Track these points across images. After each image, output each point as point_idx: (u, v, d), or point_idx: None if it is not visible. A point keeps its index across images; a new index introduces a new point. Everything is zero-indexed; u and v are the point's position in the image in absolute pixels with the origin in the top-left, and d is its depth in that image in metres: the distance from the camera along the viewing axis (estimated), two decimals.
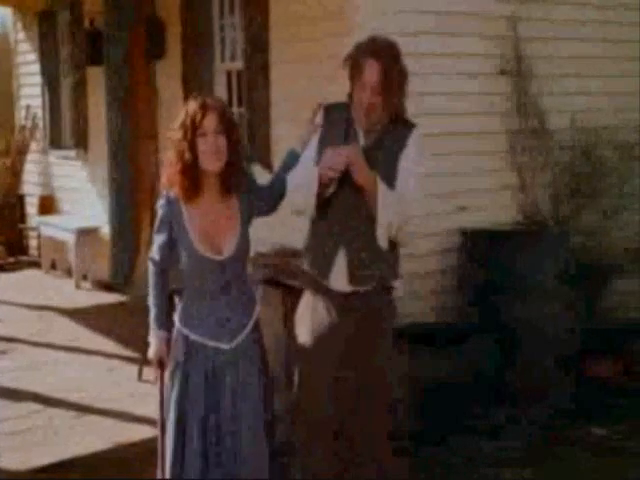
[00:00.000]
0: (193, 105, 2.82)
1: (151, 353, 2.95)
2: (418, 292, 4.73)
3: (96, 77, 7.61)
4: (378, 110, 2.96)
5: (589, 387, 4.58)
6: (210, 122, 2.79)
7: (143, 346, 5.26)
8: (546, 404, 4.26)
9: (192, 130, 2.79)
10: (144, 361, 5.12)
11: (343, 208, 3.00)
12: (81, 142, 8.12)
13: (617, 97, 5.50)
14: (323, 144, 3.04)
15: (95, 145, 7.86)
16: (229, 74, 6.15)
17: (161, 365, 2.95)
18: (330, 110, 3.11)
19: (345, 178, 2.93)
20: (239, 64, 5.87)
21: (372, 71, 2.91)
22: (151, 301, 2.99)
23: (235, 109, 6.10)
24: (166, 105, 6.78)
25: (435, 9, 4.87)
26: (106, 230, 7.67)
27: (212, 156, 2.79)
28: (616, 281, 4.90)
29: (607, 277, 4.83)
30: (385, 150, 3.00)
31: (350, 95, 3.04)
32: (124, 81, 7.38)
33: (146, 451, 3.91)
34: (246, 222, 2.93)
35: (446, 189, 4.92)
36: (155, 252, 2.95)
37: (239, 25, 5.84)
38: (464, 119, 4.98)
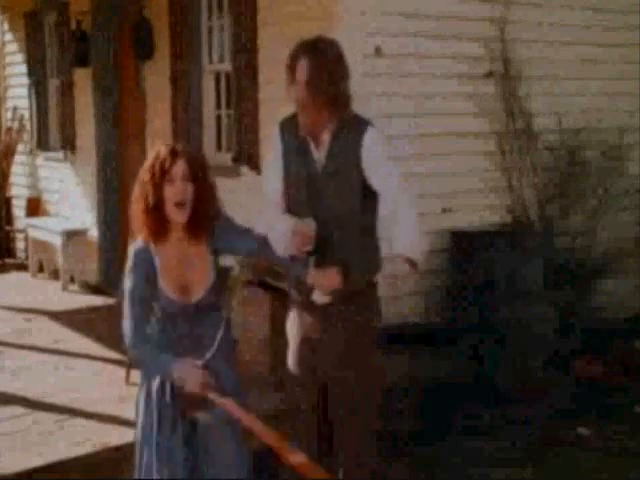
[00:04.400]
0: (163, 150, 2.81)
1: (191, 383, 2.70)
2: (406, 293, 4.74)
3: (83, 78, 7.59)
4: (311, 107, 2.93)
5: (578, 387, 4.60)
6: (178, 169, 2.77)
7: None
8: (537, 405, 4.28)
9: (160, 175, 2.77)
10: (131, 364, 5.11)
11: (326, 221, 2.95)
12: (69, 144, 8.08)
13: (602, 99, 5.54)
14: (285, 161, 3.05)
15: (83, 147, 7.83)
16: (217, 75, 6.14)
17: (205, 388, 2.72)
18: (285, 126, 3.10)
19: (315, 193, 2.95)
20: (227, 65, 5.87)
21: (302, 68, 2.92)
22: (148, 364, 2.86)
23: (224, 110, 6.10)
24: (154, 107, 6.76)
25: (423, 12, 4.90)
26: (94, 232, 7.64)
27: (177, 207, 2.77)
28: (602, 281, 4.92)
29: (593, 277, 4.85)
30: (339, 155, 2.97)
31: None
32: (112, 83, 7.36)
33: (132, 454, 3.90)
34: (215, 267, 2.89)
35: (434, 190, 4.93)
36: (134, 302, 2.81)
37: (227, 26, 5.83)
38: (452, 120, 5.01)
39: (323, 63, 2.92)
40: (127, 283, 2.81)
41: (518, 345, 4.27)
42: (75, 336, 6.19)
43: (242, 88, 5.60)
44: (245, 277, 4.79)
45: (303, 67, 2.91)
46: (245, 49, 5.52)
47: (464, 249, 4.59)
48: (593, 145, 5.00)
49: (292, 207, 3.04)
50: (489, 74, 5.06)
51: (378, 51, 4.77)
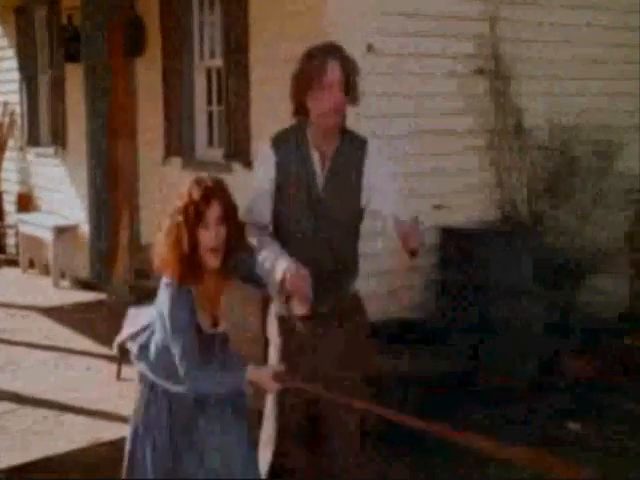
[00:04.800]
0: (196, 191, 2.67)
1: (269, 383, 2.69)
2: (396, 289, 4.76)
3: (75, 74, 7.57)
4: (341, 111, 2.81)
5: (575, 386, 4.62)
6: (213, 213, 2.66)
7: (121, 345, 5.25)
8: (535, 404, 4.30)
9: (194, 219, 2.65)
10: (122, 360, 5.12)
11: (314, 244, 2.87)
12: (59, 139, 8.06)
13: (593, 98, 5.56)
14: (281, 177, 2.87)
15: (74, 143, 7.81)
16: (209, 72, 6.14)
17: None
18: (280, 140, 2.91)
19: (317, 213, 2.86)
20: (219, 62, 5.87)
21: (334, 69, 2.78)
22: (222, 381, 2.77)
23: (215, 107, 6.10)
24: (146, 103, 6.76)
25: (414, 10, 4.91)
26: (85, 228, 7.63)
27: (212, 253, 2.68)
28: (591, 279, 4.95)
29: (582, 275, 4.88)
30: (342, 173, 2.87)
31: (299, 112, 2.87)
32: (103, 79, 7.35)
33: (122, 450, 3.91)
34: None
35: (426, 187, 4.95)
36: (184, 333, 2.71)
37: (219, 23, 5.83)
38: (443, 118, 5.03)
39: (352, 65, 2.84)
40: (171, 319, 2.70)
41: (508, 344, 4.29)
42: (66, 332, 6.18)
43: (233, 84, 5.60)
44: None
45: (335, 69, 2.78)
46: (236, 46, 5.52)
47: (454, 246, 4.61)
48: (583, 143, 5.03)
49: (289, 226, 2.91)
50: (480, 72, 5.07)
51: (370, 48, 4.77)
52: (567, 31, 5.54)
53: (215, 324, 2.81)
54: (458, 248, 4.59)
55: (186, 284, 2.70)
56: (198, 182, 2.71)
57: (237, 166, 5.60)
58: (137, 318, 3.02)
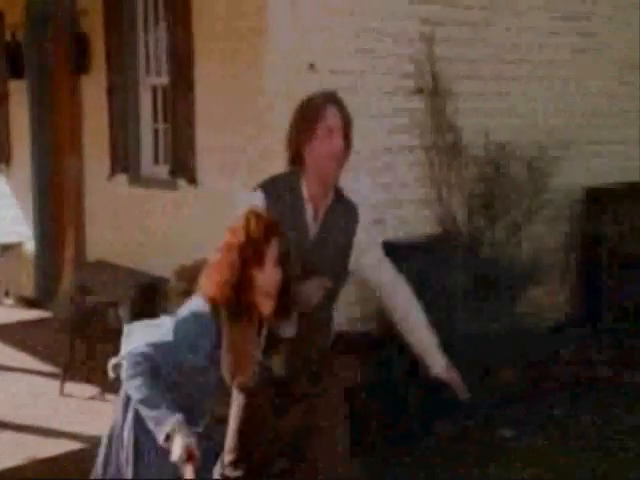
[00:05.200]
0: (257, 225, 2.44)
1: (177, 449, 2.31)
2: (342, 302, 4.84)
3: (19, 90, 7.52)
4: (341, 159, 2.76)
5: (501, 395, 4.75)
6: (273, 253, 2.42)
7: (65, 361, 5.22)
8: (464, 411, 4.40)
9: (252, 257, 2.41)
10: (65, 377, 5.10)
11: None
12: (4, 156, 7.99)
13: (527, 116, 5.75)
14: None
15: (18, 159, 7.75)
16: (154, 89, 6.18)
17: (191, 458, 2.33)
18: (271, 187, 2.78)
19: (304, 269, 2.70)
20: (164, 79, 5.91)
21: (334, 115, 2.74)
22: (148, 402, 2.36)
23: (161, 124, 6.14)
24: (91, 120, 6.75)
25: (355, 29, 5.02)
26: (29, 246, 7.56)
27: (267, 296, 2.43)
28: (527, 292, 5.11)
29: (518, 288, 5.02)
30: (334, 231, 2.79)
31: (295, 162, 2.79)
32: (47, 95, 7.32)
33: (67, 465, 3.91)
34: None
35: (368, 202, 5.05)
36: (152, 348, 2.39)
37: (163, 39, 5.88)
38: (383, 135, 5.13)
39: (348, 113, 2.80)
40: (176, 330, 2.42)
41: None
42: (9, 350, 6.12)
43: (178, 102, 5.65)
44: (182, 288, 4.83)
45: (335, 114, 2.74)
46: (181, 63, 5.58)
47: (393, 260, 4.71)
48: (517, 160, 5.20)
49: None
50: (419, 90, 5.19)
51: (312, 67, 4.85)
52: (503, 50, 5.73)
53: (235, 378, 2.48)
54: (396, 262, 4.68)
55: (227, 316, 2.39)
56: (257, 217, 2.47)
57: (182, 182, 5.64)
58: (140, 333, 2.61)
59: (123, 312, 5.22)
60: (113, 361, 2.59)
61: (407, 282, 2.96)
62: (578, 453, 4.12)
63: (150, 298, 5.36)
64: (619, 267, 5.90)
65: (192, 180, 5.51)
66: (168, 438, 2.32)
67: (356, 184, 4.99)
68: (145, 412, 2.36)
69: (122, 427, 2.52)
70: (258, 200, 2.73)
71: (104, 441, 2.60)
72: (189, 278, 4.76)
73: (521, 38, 5.84)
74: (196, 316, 2.43)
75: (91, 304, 5.50)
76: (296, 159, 2.80)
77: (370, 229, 2.96)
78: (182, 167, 5.65)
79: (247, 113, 5.04)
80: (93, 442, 3.70)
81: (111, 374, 2.62)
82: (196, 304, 2.46)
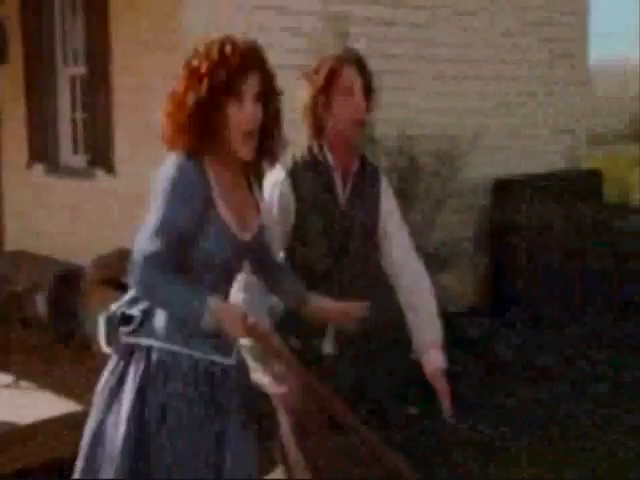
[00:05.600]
0: (228, 48, 1.99)
1: (233, 322, 1.94)
2: None
3: None
4: (363, 120, 2.57)
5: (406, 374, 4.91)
6: (252, 85, 2.01)
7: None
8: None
9: (224, 89, 1.99)
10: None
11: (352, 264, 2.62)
12: None
13: (440, 110, 5.98)
14: (300, 211, 2.55)
15: None
16: (73, 79, 6.17)
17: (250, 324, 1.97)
18: (292, 166, 2.56)
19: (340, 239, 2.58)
20: (82, 69, 5.91)
21: (353, 74, 2.55)
22: (174, 299, 1.99)
23: (79, 114, 6.14)
24: (9, 108, 6.68)
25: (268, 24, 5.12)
26: None
27: (245, 138, 2.03)
28: (437, 278, 5.32)
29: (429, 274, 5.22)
30: (363, 201, 2.63)
31: (317, 130, 2.59)
32: None
33: None
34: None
35: None
36: (160, 239, 1.97)
37: (80, 29, 5.88)
38: (298, 130, 5.27)
39: (369, 72, 2.63)
40: (164, 202, 1.98)
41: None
42: None
43: (96, 92, 5.66)
44: (100, 276, 4.83)
45: (353, 74, 2.56)
46: (98, 53, 5.59)
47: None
48: (429, 153, 5.43)
49: (309, 261, 2.58)
50: None
51: None
52: (424, 47, 5.92)
53: (244, 229, 2.12)
54: None
55: (206, 152, 2.02)
56: (234, 43, 2.01)
57: (100, 172, 5.67)
58: None
59: (40, 300, 5.23)
60: (111, 308, 2.19)
61: (419, 259, 2.76)
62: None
63: (69, 286, 5.38)
64: (527, 257, 6.20)
65: (110, 169, 5.55)
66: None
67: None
68: (177, 312, 2.00)
69: (114, 423, 2.09)
70: (282, 181, 2.53)
71: (83, 447, 2.16)
72: (105, 266, 4.83)
73: (436, 35, 6.05)
74: (172, 168, 2.02)
75: (9, 293, 5.48)
76: (317, 129, 2.59)
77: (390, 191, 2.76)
78: (100, 157, 5.67)
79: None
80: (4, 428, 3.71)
81: (102, 323, 2.17)
82: (169, 161, 2.05)
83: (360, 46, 5.15)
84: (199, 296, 1.96)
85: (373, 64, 5.32)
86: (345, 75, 2.55)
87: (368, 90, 2.60)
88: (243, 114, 2.01)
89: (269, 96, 2.07)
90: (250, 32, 4.66)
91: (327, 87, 2.53)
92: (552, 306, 6.13)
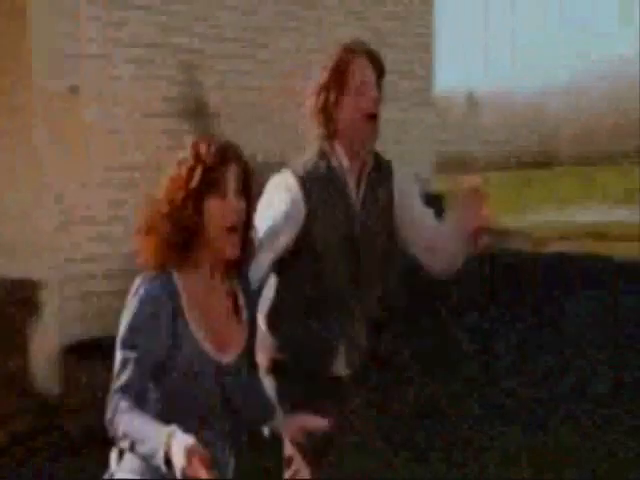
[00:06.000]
0: (208, 149, 1.90)
1: (178, 460, 1.71)
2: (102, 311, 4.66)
3: None
4: (376, 117, 2.38)
5: None
6: (232, 177, 1.90)
7: None
8: None
9: (206, 185, 1.88)
10: None
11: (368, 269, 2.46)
12: None
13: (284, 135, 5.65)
14: (312, 216, 2.36)
15: None
16: None
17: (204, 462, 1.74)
18: (301, 169, 2.39)
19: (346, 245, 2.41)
20: None
21: (366, 66, 2.38)
22: (137, 438, 1.79)
23: None
24: None
25: (115, 55, 4.97)
26: None
27: (229, 234, 1.90)
28: None
29: None
30: (377, 205, 2.45)
31: (329, 128, 2.40)
32: None
33: None
34: (251, 322, 2.06)
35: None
36: (140, 361, 1.85)
37: None
38: (150, 154, 5.01)
39: (381, 64, 2.44)
40: (128, 331, 1.86)
41: None
42: None
43: None
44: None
45: (366, 66, 2.38)
46: None
47: None
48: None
49: (324, 272, 2.40)
50: (184, 113, 5.27)
51: (74, 90, 4.68)
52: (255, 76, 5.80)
53: (221, 349, 1.94)
54: None
55: (178, 269, 1.88)
56: (207, 141, 1.92)
57: None
58: None
59: None
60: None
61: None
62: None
63: None
64: None
65: None
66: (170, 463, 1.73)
67: (110, 198, 4.88)
68: (141, 452, 1.79)
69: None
70: (292, 186, 2.35)
71: None
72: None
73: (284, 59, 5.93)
74: (139, 290, 1.88)
75: None
76: (329, 128, 2.40)
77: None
78: None
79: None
80: None
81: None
82: (138, 280, 1.91)
83: (205, 79, 5.27)
84: (159, 431, 1.76)
85: (218, 94, 5.23)
86: (356, 68, 2.38)
87: (379, 82, 2.43)
88: (227, 209, 1.91)
89: (249, 191, 1.97)
90: (86, 62, 4.65)
91: (338, 82, 2.37)
92: None
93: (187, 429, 1.75)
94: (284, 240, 2.34)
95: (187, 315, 1.88)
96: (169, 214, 1.87)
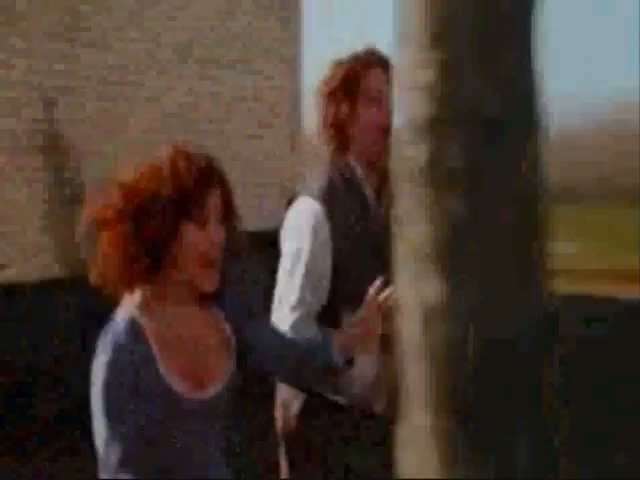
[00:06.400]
0: (184, 167, 1.64)
1: None
2: None
3: None
4: (389, 131, 2.21)
5: None
6: (214, 202, 1.67)
7: None
8: None
9: (183, 210, 1.64)
10: None
11: None
12: None
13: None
14: (336, 244, 2.23)
15: None
16: None
17: None
18: (330, 194, 2.25)
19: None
20: None
21: (380, 77, 2.27)
22: None
23: None
24: None
25: None
26: None
27: (207, 265, 1.68)
28: None
29: None
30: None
31: (341, 142, 2.31)
32: None
33: None
34: (235, 348, 1.81)
35: None
36: (118, 416, 1.65)
37: None
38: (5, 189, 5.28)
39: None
40: (102, 390, 1.63)
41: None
42: None
43: None
44: None
45: (380, 76, 2.27)
46: None
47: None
48: None
49: (351, 292, 2.17)
50: (41, 148, 5.44)
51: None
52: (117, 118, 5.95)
53: (198, 386, 1.72)
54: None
55: (146, 304, 1.68)
56: (185, 156, 1.66)
57: None
58: None
59: None
60: None
61: None
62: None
63: None
64: None
65: None
66: None
67: None
68: None
69: None
70: (316, 210, 2.22)
71: None
72: None
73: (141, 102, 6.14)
74: (109, 342, 1.66)
75: None
76: (342, 142, 2.31)
77: None
78: None
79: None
80: None
81: None
82: (110, 327, 1.69)
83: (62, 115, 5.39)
84: None
85: (73, 129, 5.46)
86: (371, 79, 2.28)
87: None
88: (206, 240, 1.67)
89: (229, 213, 1.73)
90: None
91: (351, 94, 2.27)
92: None
93: (178, 463, 1.68)
94: (326, 284, 2.23)
95: (157, 360, 1.67)
96: (136, 226, 1.63)
